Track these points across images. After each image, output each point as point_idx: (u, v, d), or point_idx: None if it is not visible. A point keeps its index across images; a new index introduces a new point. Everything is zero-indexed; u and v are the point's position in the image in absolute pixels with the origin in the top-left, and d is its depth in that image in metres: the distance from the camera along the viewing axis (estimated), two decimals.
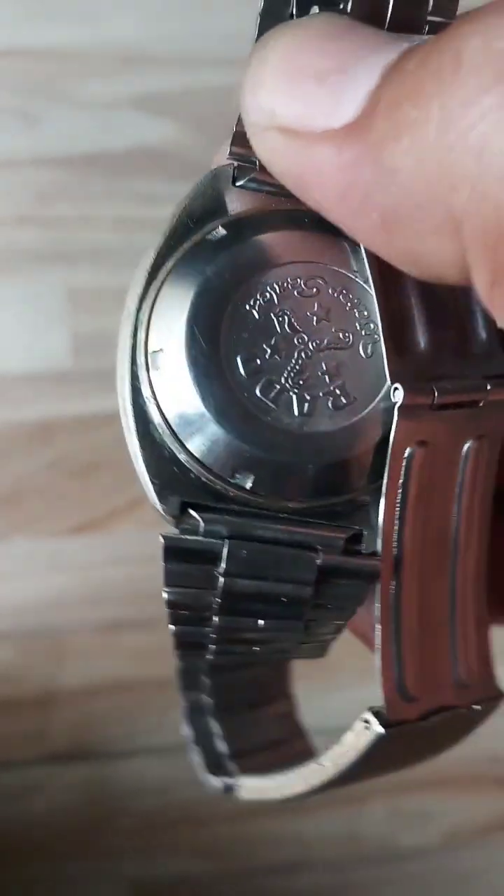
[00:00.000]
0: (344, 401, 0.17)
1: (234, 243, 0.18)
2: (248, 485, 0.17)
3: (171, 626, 0.19)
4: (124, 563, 0.51)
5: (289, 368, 0.17)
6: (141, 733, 0.52)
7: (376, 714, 0.19)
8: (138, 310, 0.18)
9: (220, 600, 0.18)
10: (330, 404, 0.17)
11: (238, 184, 0.18)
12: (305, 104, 0.15)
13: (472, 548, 0.19)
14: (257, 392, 0.17)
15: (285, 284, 0.18)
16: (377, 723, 0.19)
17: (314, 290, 0.18)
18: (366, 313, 0.18)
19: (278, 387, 0.17)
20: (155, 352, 0.17)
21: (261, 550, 0.18)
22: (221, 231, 0.18)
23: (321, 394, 0.17)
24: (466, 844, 0.53)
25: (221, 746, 0.24)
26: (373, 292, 0.17)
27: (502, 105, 0.13)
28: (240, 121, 0.17)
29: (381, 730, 0.19)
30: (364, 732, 0.19)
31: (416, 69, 0.14)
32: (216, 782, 0.24)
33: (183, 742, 0.52)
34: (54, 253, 0.49)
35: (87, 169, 0.49)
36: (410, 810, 0.53)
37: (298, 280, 0.18)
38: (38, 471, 0.50)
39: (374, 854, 0.53)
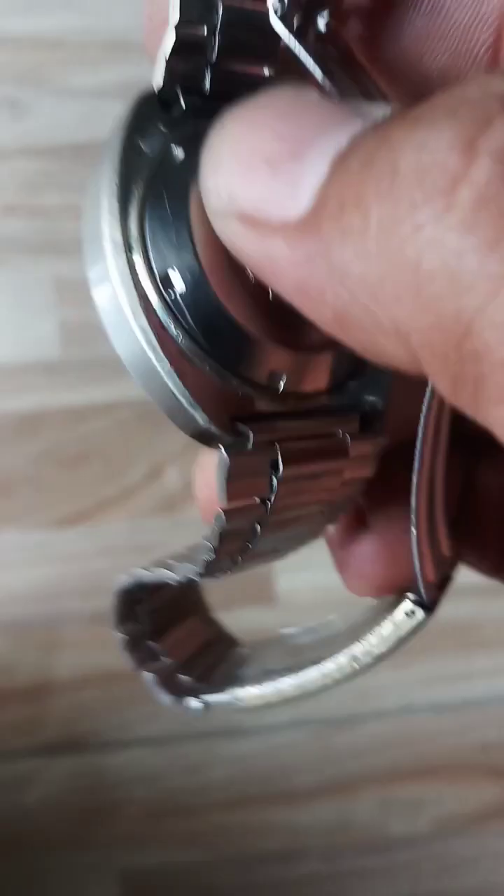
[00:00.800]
0: None
1: (196, 158, 0.17)
2: (281, 384, 0.18)
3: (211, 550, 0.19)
4: (114, 553, 0.51)
5: None
6: (132, 724, 0.52)
7: (416, 602, 0.19)
8: (123, 233, 0.17)
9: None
10: None
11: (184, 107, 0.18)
12: (261, 194, 0.15)
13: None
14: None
15: None
16: (421, 611, 0.19)
17: None
18: None
19: None
20: (165, 276, 0.17)
21: (303, 449, 0.18)
22: (180, 152, 0.18)
23: None
24: (457, 833, 0.53)
25: (169, 663, 0.24)
26: None
27: (434, 221, 0.13)
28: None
29: (423, 615, 0.19)
30: (407, 621, 0.19)
31: (360, 171, 0.14)
32: (191, 705, 0.23)
33: (174, 732, 0.52)
34: (42, 243, 0.49)
35: (75, 158, 0.48)
36: (401, 799, 0.53)
37: None
38: (27, 462, 0.50)
39: (365, 843, 0.53)
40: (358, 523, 0.22)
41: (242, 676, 0.23)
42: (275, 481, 0.18)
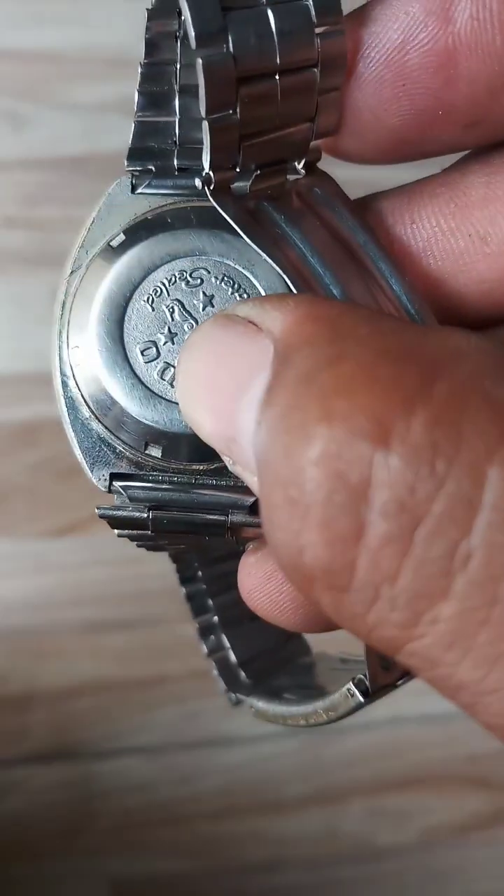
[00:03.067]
0: None
1: (131, 246, 0.21)
2: (159, 454, 0.21)
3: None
4: (106, 564, 0.51)
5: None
6: (122, 733, 0.52)
7: (357, 684, 0.22)
8: (60, 313, 0.21)
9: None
10: None
11: (137, 192, 0.21)
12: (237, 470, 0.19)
13: None
14: (156, 375, 0.20)
15: (173, 278, 0.21)
16: (359, 694, 0.22)
17: (199, 280, 0.21)
18: (245, 295, 0.20)
19: (174, 369, 0.20)
20: (74, 348, 0.21)
21: (177, 519, 0.21)
22: (121, 237, 0.21)
23: None
24: (443, 843, 0.54)
25: (231, 657, 0.28)
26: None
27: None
28: (134, 137, 0.20)
29: (361, 700, 0.22)
30: (348, 699, 0.22)
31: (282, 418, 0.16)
32: (231, 697, 0.27)
33: (164, 742, 0.53)
34: (41, 254, 0.49)
35: (74, 171, 0.49)
36: (389, 809, 0.54)
37: (185, 273, 0.21)
38: (23, 471, 0.50)
39: (352, 853, 0.54)
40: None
41: (278, 687, 0.26)
42: None
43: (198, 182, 0.19)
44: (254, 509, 0.21)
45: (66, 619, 0.51)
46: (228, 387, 0.17)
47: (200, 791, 0.53)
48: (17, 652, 0.51)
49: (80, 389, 0.21)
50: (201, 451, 0.20)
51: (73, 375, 0.21)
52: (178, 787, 0.53)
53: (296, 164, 0.20)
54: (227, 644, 0.28)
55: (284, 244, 0.19)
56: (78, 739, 0.52)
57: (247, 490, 0.20)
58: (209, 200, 0.19)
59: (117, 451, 0.21)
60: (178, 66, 0.21)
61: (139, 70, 0.20)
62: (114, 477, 0.21)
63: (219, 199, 0.19)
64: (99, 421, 0.21)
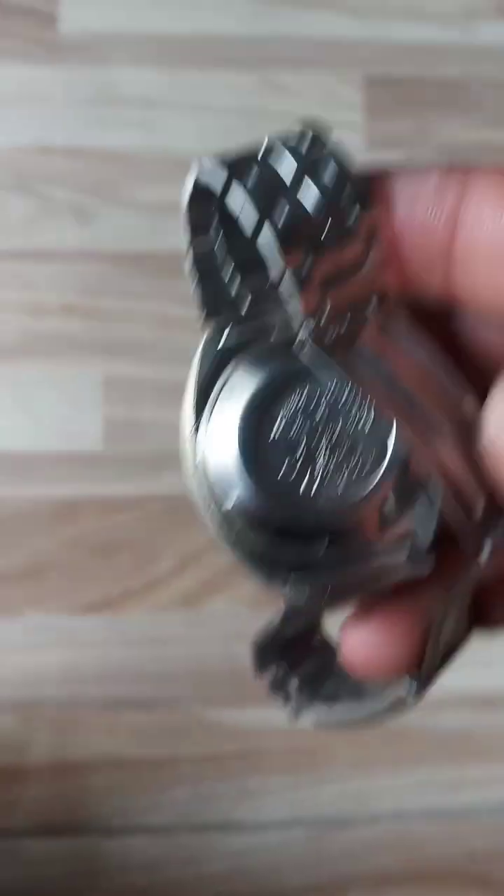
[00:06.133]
0: (367, 469, 0.22)
1: (241, 394, 0.22)
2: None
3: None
4: (133, 644, 0.52)
5: (320, 462, 0.22)
6: (132, 811, 0.53)
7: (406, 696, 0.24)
8: (203, 471, 0.22)
9: None
10: (356, 475, 0.22)
11: (220, 346, 0.22)
12: None
13: None
14: (302, 487, 0.22)
15: (290, 407, 0.22)
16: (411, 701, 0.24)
17: (313, 401, 0.22)
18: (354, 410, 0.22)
19: (318, 477, 0.22)
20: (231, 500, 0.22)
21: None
22: (231, 392, 0.22)
23: (346, 470, 0.22)
24: None
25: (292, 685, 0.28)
26: None
27: None
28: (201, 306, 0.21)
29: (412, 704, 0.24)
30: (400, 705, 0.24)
31: None
32: (291, 711, 0.28)
33: (173, 823, 0.53)
34: (95, 342, 0.51)
35: (134, 267, 0.51)
36: None
37: (305, 397, 0.22)
38: (60, 547, 0.52)
39: None
40: (364, 612, 0.25)
41: (323, 693, 0.27)
42: None
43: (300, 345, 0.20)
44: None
45: (87, 694, 0.52)
46: None
47: (204, 874, 0.54)
48: (39, 723, 0.52)
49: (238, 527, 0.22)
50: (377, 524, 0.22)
51: (223, 515, 0.22)
52: (184, 868, 0.54)
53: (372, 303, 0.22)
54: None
55: (378, 383, 0.22)
56: (89, 814, 0.53)
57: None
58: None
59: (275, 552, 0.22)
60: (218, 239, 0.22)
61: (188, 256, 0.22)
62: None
63: (327, 354, 0.21)
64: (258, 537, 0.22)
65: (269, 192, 0.19)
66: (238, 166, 0.20)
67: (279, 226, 0.19)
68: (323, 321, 0.20)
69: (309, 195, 0.20)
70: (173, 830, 0.53)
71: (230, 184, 0.20)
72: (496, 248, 0.21)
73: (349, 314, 0.21)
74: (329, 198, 0.20)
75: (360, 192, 0.21)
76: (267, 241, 0.19)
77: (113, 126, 0.52)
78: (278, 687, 0.27)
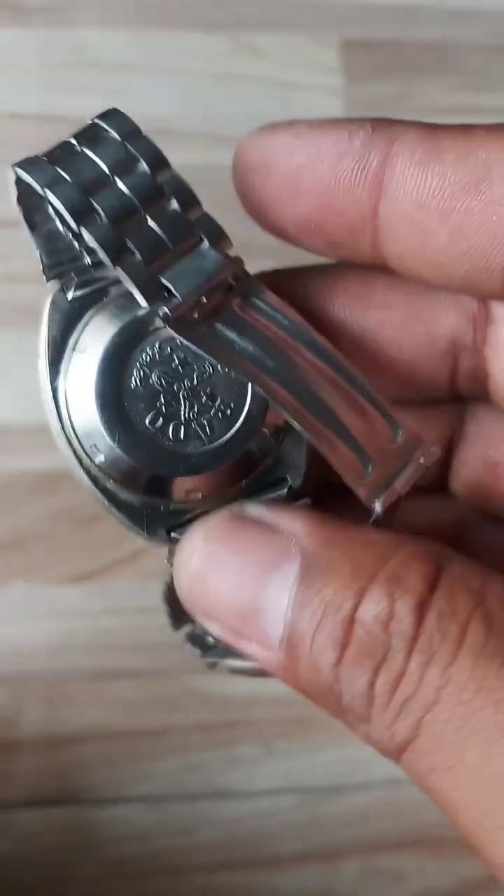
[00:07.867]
0: (230, 411, 0.22)
1: (94, 348, 0.22)
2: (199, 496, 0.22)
3: None
4: (121, 613, 0.52)
5: (183, 409, 0.22)
6: (125, 781, 0.53)
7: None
8: (60, 424, 0.24)
9: None
10: (220, 417, 0.22)
11: (70, 298, 0.23)
12: (242, 643, 0.21)
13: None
14: (170, 435, 0.22)
15: (146, 357, 0.22)
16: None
17: (167, 349, 0.22)
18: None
19: (183, 423, 0.22)
20: (92, 447, 0.23)
21: None
22: (83, 339, 0.23)
23: (210, 414, 0.23)
24: None
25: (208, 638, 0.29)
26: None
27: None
28: (42, 260, 0.23)
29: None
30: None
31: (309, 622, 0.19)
32: (207, 662, 0.29)
33: (165, 792, 0.53)
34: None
35: None
36: (384, 869, 0.54)
37: (154, 350, 0.22)
38: (43, 519, 0.52)
39: None
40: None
41: None
42: None
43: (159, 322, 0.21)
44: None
45: (76, 666, 0.52)
46: (251, 567, 0.19)
47: (198, 843, 0.54)
48: (28, 696, 0.52)
49: (112, 481, 0.22)
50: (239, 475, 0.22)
51: (96, 469, 0.22)
52: (177, 837, 0.54)
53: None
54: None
55: (241, 356, 0.22)
56: (80, 785, 0.53)
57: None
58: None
59: (157, 506, 0.23)
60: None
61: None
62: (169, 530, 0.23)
63: (183, 331, 0.21)
64: (129, 491, 0.23)
65: (89, 189, 0.19)
66: (55, 163, 0.20)
67: (102, 221, 0.19)
68: (171, 308, 0.20)
69: (127, 186, 0.20)
70: (166, 800, 0.53)
71: (50, 187, 0.20)
72: (418, 212, 0.20)
73: (203, 298, 0.21)
74: (147, 192, 0.20)
75: (180, 185, 0.20)
76: (92, 241, 0.19)
77: (84, 91, 0.51)
78: (195, 641, 0.27)
